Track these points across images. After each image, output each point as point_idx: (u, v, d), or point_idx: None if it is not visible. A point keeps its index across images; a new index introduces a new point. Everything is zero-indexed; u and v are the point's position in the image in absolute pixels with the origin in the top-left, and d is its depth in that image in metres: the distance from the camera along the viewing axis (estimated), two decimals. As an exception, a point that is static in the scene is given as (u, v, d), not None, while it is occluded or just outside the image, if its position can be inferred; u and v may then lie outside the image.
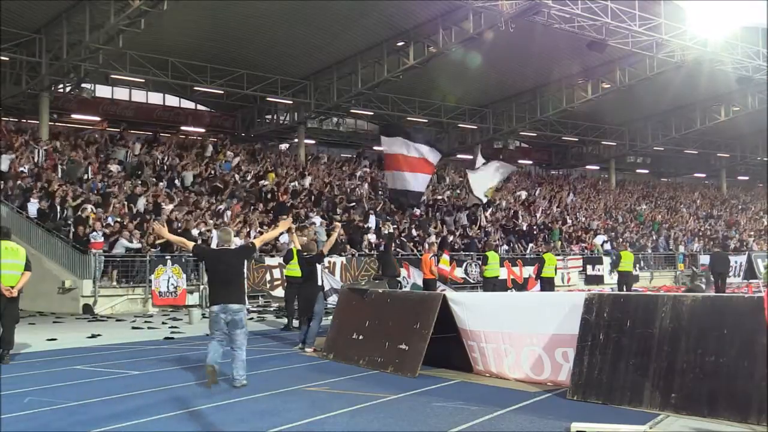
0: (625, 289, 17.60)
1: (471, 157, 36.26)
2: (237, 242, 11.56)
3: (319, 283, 10.52)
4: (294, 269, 12.89)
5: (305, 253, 10.72)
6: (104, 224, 17.32)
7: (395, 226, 23.96)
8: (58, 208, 17.86)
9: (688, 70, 28.39)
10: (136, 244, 17.20)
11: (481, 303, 8.30)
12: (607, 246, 28.92)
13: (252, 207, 22.26)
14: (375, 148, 35.78)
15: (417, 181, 13.15)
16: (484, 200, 24.08)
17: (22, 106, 24.77)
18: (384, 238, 21.57)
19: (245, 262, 8.63)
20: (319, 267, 10.52)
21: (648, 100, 33.98)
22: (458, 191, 31.04)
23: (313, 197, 24.93)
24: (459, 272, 22.19)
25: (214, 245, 13.81)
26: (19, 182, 18.57)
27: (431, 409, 6.16)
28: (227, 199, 22.29)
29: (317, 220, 21.61)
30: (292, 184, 25.57)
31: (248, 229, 19.46)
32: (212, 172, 24.27)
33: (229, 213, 20.78)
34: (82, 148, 22.50)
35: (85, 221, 17.06)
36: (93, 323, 14.39)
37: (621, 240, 28.19)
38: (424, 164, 13.25)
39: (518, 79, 31.42)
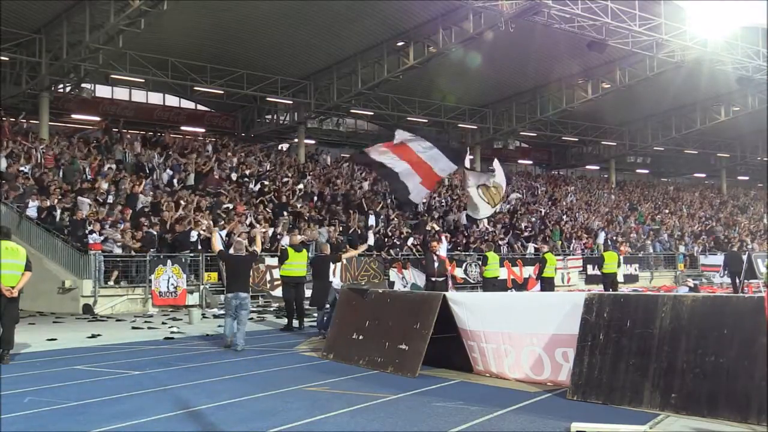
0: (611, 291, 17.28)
1: (471, 157, 36.35)
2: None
3: (330, 279, 12.29)
4: (289, 269, 12.96)
5: (319, 253, 12.72)
6: (103, 225, 17.32)
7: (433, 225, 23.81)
8: (57, 209, 17.85)
9: (688, 70, 28.40)
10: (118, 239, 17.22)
11: (481, 303, 8.29)
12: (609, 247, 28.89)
13: (252, 207, 22.25)
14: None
15: (416, 189, 13.00)
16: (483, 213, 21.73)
17: (22, 106, 24.77)
18: (427, 235, 21.43)
19: (252, 264, 11.63)
20: (332, 266, 12.40)
21: (648, 100, 34.01)
22: (459, 191, 31.02)
23: (314, 197, 24.97)
24: (459, 272, 22.20)
25: (225, 247, 14.88)
26: (20, 182, 18.59)
27: (431, 409, 6.16)
28: (227, 199, 22.28)
29: (323, 230, 21.45)
30: (299, 187, 25.49)
31: (248, 229, 19.45)
32: (212, 171, 24.26)
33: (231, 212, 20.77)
34: (81, 148, 22.52)
35: (82, 224, 17.06)
36: (93, 323, 14.38)
37: (620, 240, 28.21)
38: (430, 175, 13.12)
39: (518, 79, 31.42)
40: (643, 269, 29.01)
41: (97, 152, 22.69)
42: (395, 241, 23.03)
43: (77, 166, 20.73)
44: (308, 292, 13.53)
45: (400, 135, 12.90)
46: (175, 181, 22.42)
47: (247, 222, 20.19)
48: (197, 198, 21.16)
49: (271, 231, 20.15)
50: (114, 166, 21.70)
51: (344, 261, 15.32)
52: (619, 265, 21.32)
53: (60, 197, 18.29)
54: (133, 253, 17.25)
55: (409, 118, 32.50)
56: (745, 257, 23.33)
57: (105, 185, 19.52)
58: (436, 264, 13.66)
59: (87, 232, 16.78)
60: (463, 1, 22.14)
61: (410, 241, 23.28)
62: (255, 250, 11.98)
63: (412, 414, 5.99)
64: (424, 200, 24.08)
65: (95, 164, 21.29)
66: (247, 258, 10.99)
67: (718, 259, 28.40)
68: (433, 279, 13.67)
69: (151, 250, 17.39)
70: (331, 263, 12.52)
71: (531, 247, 26.27)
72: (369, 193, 27.36)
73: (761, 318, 5.29)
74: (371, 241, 22.39)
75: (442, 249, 14.18)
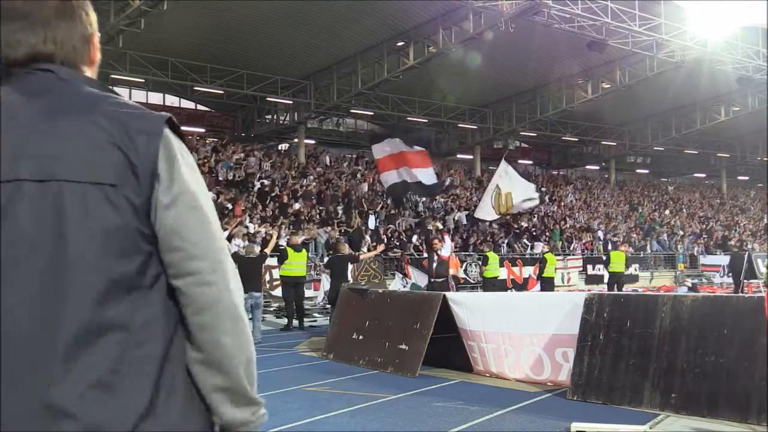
0: (616, 290, 17.22)
1: (471, 157, 36.42)
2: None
3: (349, 279, 12.61)
4: (288, 269, 12.97)
5: (337, 253, 12.60)
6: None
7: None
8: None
9: (688, 70, 28.37)
10: None
11: (481, 303, 8.29)
12: (609, 246, 28.92)
13: (252, 206, 22.27)
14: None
15: (423, 175, 13.03)
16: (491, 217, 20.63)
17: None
18: (428, 234, 21.23)
19: (261, 264, 11.98)
20: (350, 266, 12.82)
21: (648, 100, 33.98)
22: (457, 191, 31.05)
23: (313, 197, 24.96)
24: (459, 272, 22.18)
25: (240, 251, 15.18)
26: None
27: (431, 409, 6.16)
28: (226, 199, 22.29)
29: (323, 231, 21.45)
30: (306, 190, 25.44)
31: (247, 228, 19.46)
32: (212, 172, 24.27)
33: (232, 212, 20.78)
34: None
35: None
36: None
37: (620, 239, 28.20)
38: (417, 158, 13.20)
39: (518, 79, 31.41)
40: (643, 269, 29.03)
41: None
42: (395, 242, 23.04)
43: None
44: (308, 293, 13.57)
45: (377, 150, 13.19)
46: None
47: (246, 222, 20.21)
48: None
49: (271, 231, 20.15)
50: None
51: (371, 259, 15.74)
52: (627, 266, 21.19)
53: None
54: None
55: (409, 118, 32.50)
56: (745, 257, 23.37)
57: None
58: (435, 264, 13.39)
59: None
60: (463, 1, 22.12)
61: (413, 239, 23.28)
62: (265, 252, 12.25)
63: (412, 414, 5.99)
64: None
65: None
66: (257, 259, 11.70)
67: (718, 259, 28.43)
68: (432, 280, 13.46)
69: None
70: (349, 263, 12.60)
71: (538, 247, 26.13)
72: (369, 193, 27.36)
73: (761, 318, 5.30)
74: (365, 248, 22.37)
75: (445, 249, 13.90)
